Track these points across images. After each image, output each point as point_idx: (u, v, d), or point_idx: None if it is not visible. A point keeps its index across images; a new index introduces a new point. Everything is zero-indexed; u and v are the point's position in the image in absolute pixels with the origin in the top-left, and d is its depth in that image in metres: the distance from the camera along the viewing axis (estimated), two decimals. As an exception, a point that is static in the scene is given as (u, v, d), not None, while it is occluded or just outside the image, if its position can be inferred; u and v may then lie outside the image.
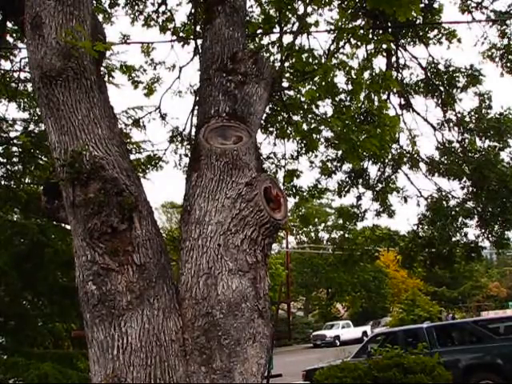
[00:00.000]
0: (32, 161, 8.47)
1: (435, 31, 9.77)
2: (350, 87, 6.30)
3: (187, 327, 2.87)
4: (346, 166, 10.85)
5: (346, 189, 11.44)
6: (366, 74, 6.77)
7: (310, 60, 6.08)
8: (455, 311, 39.41)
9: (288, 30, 7.17)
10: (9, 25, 7.03)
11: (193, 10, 7.43)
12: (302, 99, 6.16)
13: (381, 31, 8.13)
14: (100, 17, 7.72)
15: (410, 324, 22.35)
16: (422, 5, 8.46)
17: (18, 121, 9.04)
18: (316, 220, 42.98)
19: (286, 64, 6.09)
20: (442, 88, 10.24)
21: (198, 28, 7.04)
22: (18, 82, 8.77)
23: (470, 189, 10.86)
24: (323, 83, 5.40)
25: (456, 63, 10.65)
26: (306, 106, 6.31)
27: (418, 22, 9.28)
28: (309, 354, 26.03)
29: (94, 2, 7.23)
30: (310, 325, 41.39)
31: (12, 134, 8.83)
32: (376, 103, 7.20)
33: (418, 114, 10.43)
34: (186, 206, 3.20)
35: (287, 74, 5.90)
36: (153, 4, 8.22)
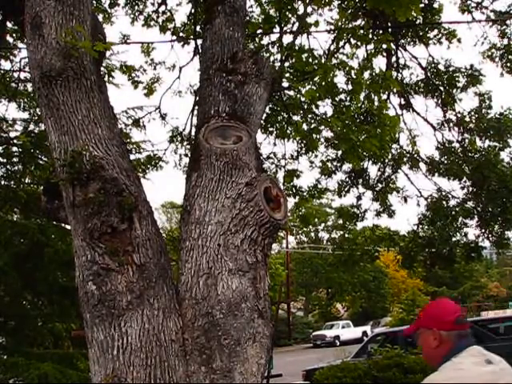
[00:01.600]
0: (32, 161, 8.45)
1: (435, 31, 9.77)
2: (350, 87, 6.29)
3: (187, 327, 2.87)
4: (346, 166, 10.85)
5: (346, 189, 11.44)
6: (366, 74, 6.77)
7: (310, 60, 6.07)
8: (455, 311, 39.31)
9: (288, 30, 7.16)
10: (9, 25, 7.04)
11: (193, 10, 7.43)
12: (302, 99, 6.16)
13: (381, 31, 8.12)
14: (100, 17, 7.72)
15: (410, 324, 22.32)
16: (422, 5, 8.46)
17: (18, 121, 9.04)
18: (316, 220, 42.97)
19: (286, 64, 6.09)
20: (442, 88, 10.24)
21: (198, 28, 7.03)
22: (18, 82, 8.76)
23: (470, 189, 10.86)
24: (323, 83, 5.40)
25: (456, 63, 10.66)
26: (306, 106, 6.30)
27: (418, 21, 9.28)
28: (309, 354, 26.02)
29: (94, 2, 7.23)
30: (309, 325, 41.37)
31: (12, 134, 8.81)
32: (376, 103, 7.19)
33: (418, 113, 10.43)
34: (186, 205, 3.20)
35: (287, 74, 5.89)
36: (153, 4, 8.21)
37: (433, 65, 10.15)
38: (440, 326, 2.27)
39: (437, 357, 2.28)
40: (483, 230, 11.06)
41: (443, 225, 11.02)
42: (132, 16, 8.29)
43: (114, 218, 2.86)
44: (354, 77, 6.02)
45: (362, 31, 6.46)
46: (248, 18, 7.10)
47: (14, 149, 8.67)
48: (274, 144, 8.14)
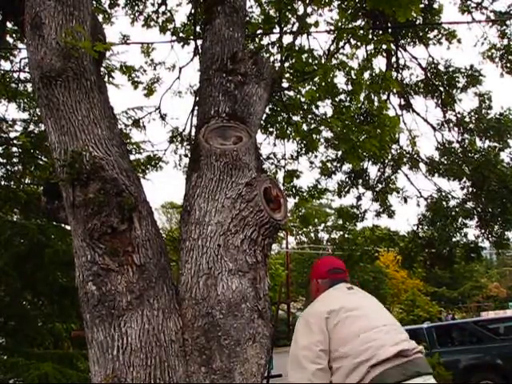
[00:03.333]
0: (32, 161, 8.44)
1: (435, 31, 9.79)
2: (350, 87, 6.29)
3: (187, 327, 2.87)
4: (346, 167, 10.86)
5: (345, 189, 11.44)
6: (366, 75, 6.78)
7: (310, 60, 6.07)
8: (455, 311, 39.40)
9: (288, 31, 7.16)
10: (9, 25, 7.03)
11: (193, 11, 7.43)
12: (302, 99, 6.16)
13: (381, 31, 8.13)
14: (100, 17, 7.71)
15: (410, 324, 22.34)
16: (422, 5, 8.46)
17: (17, 121, 9.02)
18: (316, 220, 42.96)
19: (286, 64, 6.09)
20: (442, 88, 10.25)
21: (198, 28, 7.04)
22: (18, 82, 8.75)
23: (470, 189, 10.86)
24: (323, 83, 5.41)
25: (456, 63, 10.69)
26: (305, 107, 6.31)
27: (417, 22, 9.29)
28: (309, 354, 25.93)
29: (94, 2, 7.23)
30: (309, 325, 41.23)
31: (12, 134, 8.80)
32: (376, 103, 7.20)
33: (418, 114, 10.44)
34: (186, 206, 3.20)
35: (287, 75, 5.89)
36: (153, 4, 8.21)
37: (433, 65, 10.16)
38: (317, 276, 2.89)
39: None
40: (483, 231, 11.05)
41: (443, 225, 11.01)
42: (132, 16, 8.29)
43: (114, 219, 2.86)
44: (354, 77, 6.02)
45: (362, 31, 6.46)
46: (248, 18, 7.10)
47: (14, 149, 8.66)
48: (274, 144, 8.15)
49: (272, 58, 7.07)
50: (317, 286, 2.87)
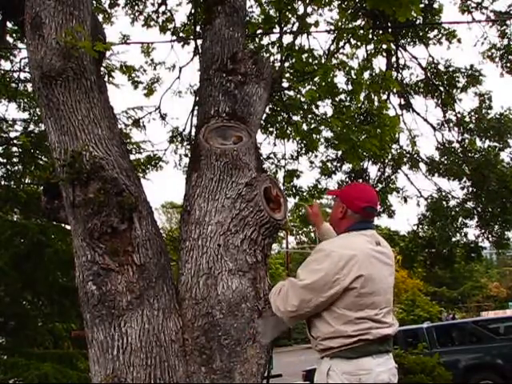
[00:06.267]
0: (32, 161, 8.45)
1: (435, 31, 9.80)
2: (350, 87, 6.29)
3: (187, 327, 2.88)
4: (346, 166, 10.85)
5: (346, 189, 11.41)
6: (366, 74, 6.77)
7: (310, 60, 6.07)
8: (455, 311, 39.39)
9: (288, 30, 7.15)
10: (9, 25, 7.02)
11: (193, 10, 7.43)
12: (302, 99, 6.16)
13: (381, 31, 8.13)
14: (100, 17, 7.71)
15: (410, 324, 22.33)
16: (422, 5, 8.46)
17: (18, 121, 9.03)
18: (316, 220, 42.85)
19: (286, 64, 6.08)
20: (442, 88, 10.26)
21: (198, 28, 7.04)
22: (18, 82, 8.75)
23: (470, 189, 10.87)
24: (323, 83, 5.40)
25: (456, 63, 10.69)
26: (305, 106, 6.30)
27: (418, 22, 9.30)
28: (309, 354, 25.97)
29: (94, 1, 7.22)
30: (309, 325, 41.21)
31: (12, 134, 8.81)
32: (376, 103, 7.20)
33: (418, 114, 10.44)
34: (186, 206, 3.20)
35: (287, 74, 5.89)
36: (153, 4, 8.20)
37: (433, 65, 10.17)
38: (349, 205, 2.66)
39: (339, 227, 2.72)
40: (483, 230, 11.06)
41: (443, 225, 11.01)
42: (132, 16, 8.29)
43: (114, 218, 2.86)
44: (354, 77, 6.02)
45: (361, 31, 6.45)
46: (248, 17, 7.09)
47: (14, 149, 8.67)
48: (274, 144, 8.15)
49: (272, 58, 7.07)
50: (343, 214, 2.66)
